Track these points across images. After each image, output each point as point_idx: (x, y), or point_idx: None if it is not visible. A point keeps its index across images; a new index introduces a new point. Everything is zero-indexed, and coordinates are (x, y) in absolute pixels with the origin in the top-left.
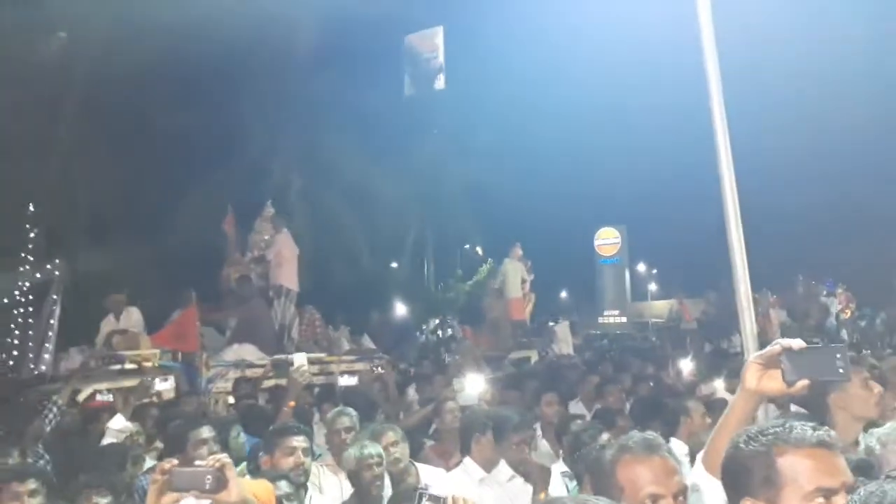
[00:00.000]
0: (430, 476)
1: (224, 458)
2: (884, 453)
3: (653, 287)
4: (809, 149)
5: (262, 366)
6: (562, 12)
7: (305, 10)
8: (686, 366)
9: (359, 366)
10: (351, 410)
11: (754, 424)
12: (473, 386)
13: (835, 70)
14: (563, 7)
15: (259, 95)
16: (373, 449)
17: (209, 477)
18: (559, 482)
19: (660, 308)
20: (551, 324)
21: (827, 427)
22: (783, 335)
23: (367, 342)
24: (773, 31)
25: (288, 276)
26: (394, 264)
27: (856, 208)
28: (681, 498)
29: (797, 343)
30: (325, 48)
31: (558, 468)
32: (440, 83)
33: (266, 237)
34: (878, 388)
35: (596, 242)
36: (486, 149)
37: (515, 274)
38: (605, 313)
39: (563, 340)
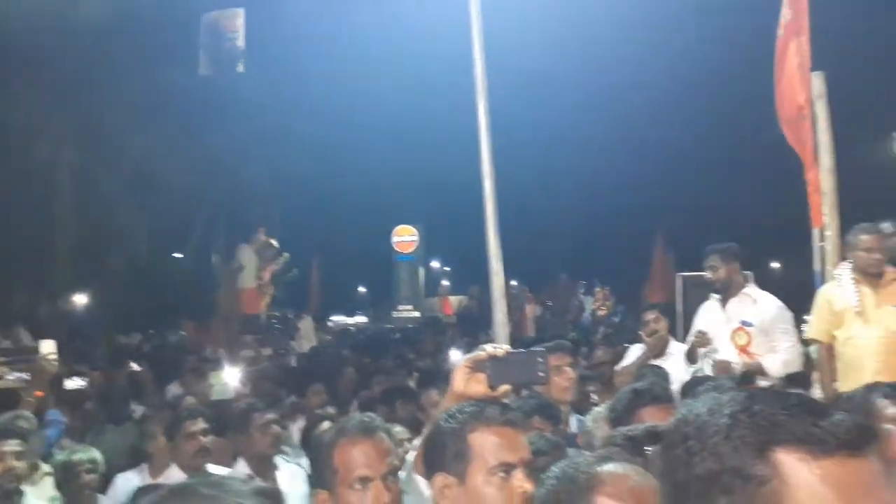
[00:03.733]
0: None
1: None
2: (594, 429)
3: (445, 283)
4: (577, 159)
5: None
6: (364, 9)
7: None
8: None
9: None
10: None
11: None
12: (230, 380)
13: (594, 84)
14: (367, 5)
15: (29, 66)
16: (84, 455)
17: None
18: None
19: (453, 303)
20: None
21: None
22: (538, 329)
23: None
24: (540, 45)
25: None
26: (177, 255)
27: (615, 213)
28: (391, 478)
29: (501, 350)
30: (109, 18)
31: None
32: (240, 67)
33: None
34: (571, 375)
35: (393, 239)
36: (286, 139)
37: (252, 262)
38: (400, 308)
39: (306, 337)
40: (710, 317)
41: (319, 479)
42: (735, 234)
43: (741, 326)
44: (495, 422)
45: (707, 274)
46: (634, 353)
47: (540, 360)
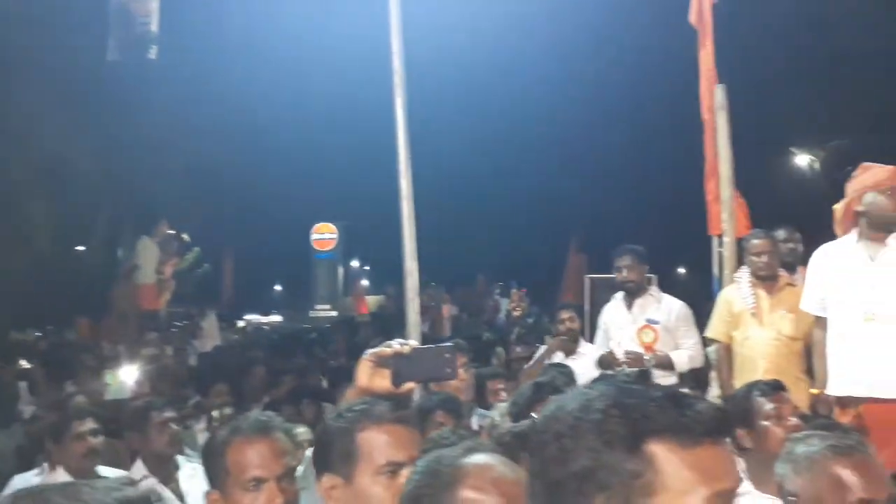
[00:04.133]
0: None
1: None
2: (501, 423)
3: (365, 282)
4: (497, 165)
5: None
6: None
7: None
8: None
9: None
10: None
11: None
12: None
13: (514, 91)
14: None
15: None
16: None
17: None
18: None
19: (371, 303)
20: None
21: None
22: (454, 329)
23: None
24: (461, 47)
25: None
26: (80, 248)
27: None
28: (286, 480)
29: (408, 345)
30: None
31: None
32: (153, 53)
33: None
34: (463, 376)
35: (312, 237)
36: (201, 130)
37: (151, 256)
38: (317, 307)
39: (210, 335)
40: (617, 315)
41: (212, 478)
42: (644, 240)
43: (647, 324)
44: (385, 420)
45: (621, 273)
46: (542, 352)
47: (448, 355)
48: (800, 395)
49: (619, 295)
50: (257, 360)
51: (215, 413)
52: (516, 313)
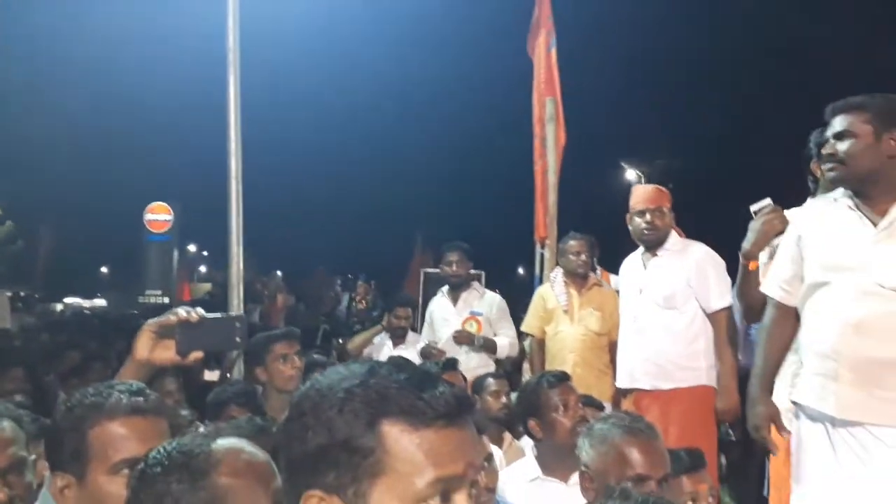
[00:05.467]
0: None
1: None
2: None
3: (203, 269)
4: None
5: None
6: None
7: None
8: None
9: None
10: None
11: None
12: None
13: (351, 82)
14: None
15: None
16: None
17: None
18: None
19: (201, 291)
20: None
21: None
22: (290, 319)
23: None
24: (299, 38)
25: None
26: None
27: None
28: (13, 473)
29: (195, 313)
30: None
31: None
32: None
33: None
34: (298, 363)
35: (146, 217)
36: (27, 101)
37: None
38: (147, 292)
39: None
40: (443, 308)
41: None
42: (487, 240)
43: (472, 316)
44: (120, 412)
45: (451, 268)
46: (381, 344)
47: (238, 325)
48: (603, 386)
49: (445, 289)
50: (69, 344)
51: None
52: (361, 306)
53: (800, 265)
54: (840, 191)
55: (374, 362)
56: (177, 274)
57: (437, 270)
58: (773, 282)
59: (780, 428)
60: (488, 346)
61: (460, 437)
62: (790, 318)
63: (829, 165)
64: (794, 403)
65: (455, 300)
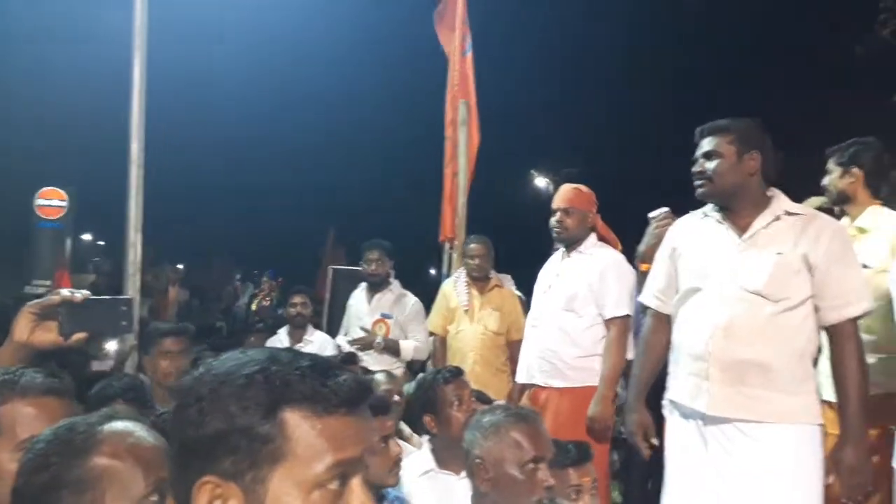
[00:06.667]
0: None
1: None
2: None
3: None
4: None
5: None
6: None
7: None
8: None
9: None
10: None
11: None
12: None
13: (265, 71)
14: None
15: None
16: None
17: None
18: None
19: (82, 282)
20: None
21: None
22: (183, 315)
23: None
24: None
25: None
26: None
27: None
28: None
29: (79, 294)
30: None
31: None
32: None
33: None
34: (182, 362)
35: (37, 202)
36: None
37: None
38: (34, 282)
39: None
40: (360, 306)
41: None
42: (397, 240)
43: (381, 318)
44: (32, 391)
45: (371, 266)
46: (277, 339)
47: (124, 308)
48: (500, 384)
49: (364, 286)
50: None
51: None
52: (265, 303)
53: (673, 276)
54: (710, 206)
55: (273, 349)
56: (56, 262)
57: (347, 267)
58: (649, 292)
59: (651, 435)
60: (390, 348)
61: (360, 423)
62: (665, 325)
63: (698, 182)
64: (670, 402)
65: (370, 300)
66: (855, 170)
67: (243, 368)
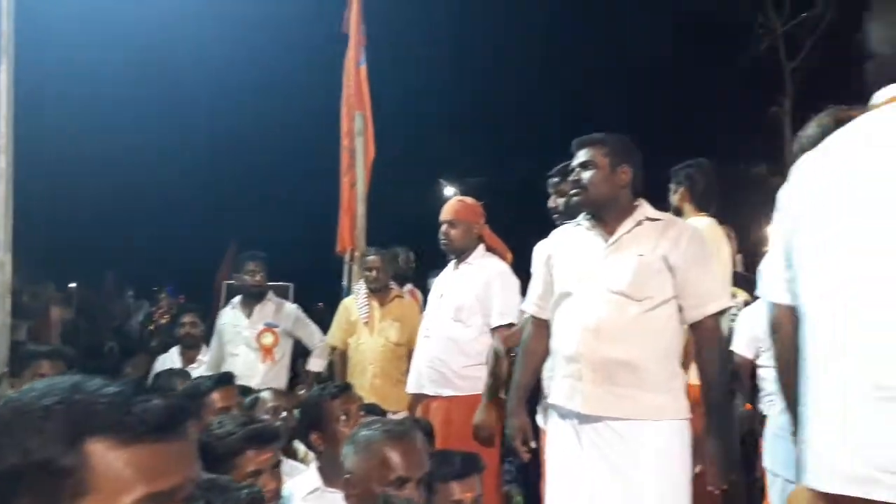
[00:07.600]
0: None
1: None
2: None
3: None
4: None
5: None
6: None
7: None
8: None
9: None
10: None
11: None
12: None
13: (153, 76)
14: None
15: None
16: None
17: None
18: None
19: None
20: None
21: None
22: (64, 335)
23: None
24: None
25: None
26: None
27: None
28: None
29: None
30: None
31: None
32: None
33: None
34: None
35: None
36: None
37: None
38: None
39: None
40: (236, 318)
41: None
42: (297, 252)
43: (267, 327)
44: None
45: (254, 277)
46: (168, 359)
47: None
48: (400, 394)
49: (236, 300)
50: None
51: None
52: (162, 321)
53: (550, 283)
54: (582, 216)
55: (80, 377)
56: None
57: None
58: (529, 299)
59: (529, 439)
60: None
61: (175, 450)
62: (544, 331)
63: (574, 191)
64: (550, 405)
65: (249, 312)
66: (682, 188)
67: (42, 399)
